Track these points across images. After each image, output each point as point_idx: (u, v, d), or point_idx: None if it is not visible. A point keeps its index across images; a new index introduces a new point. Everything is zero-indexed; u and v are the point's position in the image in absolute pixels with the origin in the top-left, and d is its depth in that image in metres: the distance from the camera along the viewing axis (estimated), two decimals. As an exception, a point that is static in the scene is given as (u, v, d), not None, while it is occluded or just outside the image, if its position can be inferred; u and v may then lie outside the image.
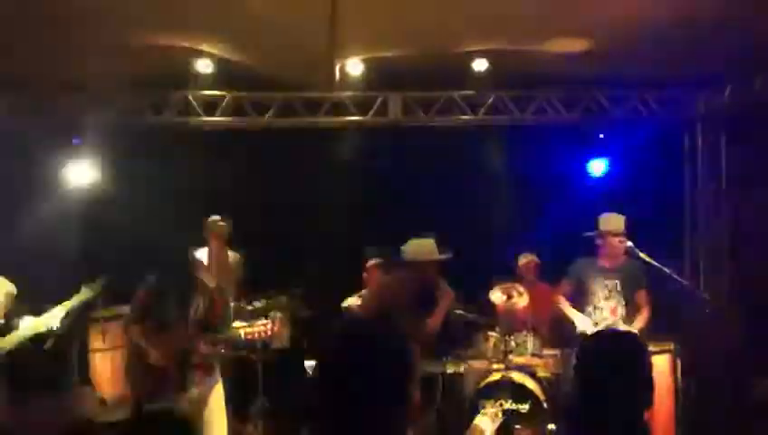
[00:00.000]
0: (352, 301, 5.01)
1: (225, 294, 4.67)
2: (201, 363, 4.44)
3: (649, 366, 2.28)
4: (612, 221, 5.33)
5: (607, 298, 5.29)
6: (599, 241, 5.35)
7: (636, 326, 5.15)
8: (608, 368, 2.26)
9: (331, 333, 1.80)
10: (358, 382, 1.66)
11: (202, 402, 4.44)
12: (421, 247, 4.68)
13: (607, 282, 5.30)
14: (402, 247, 4.75)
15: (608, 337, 2.62)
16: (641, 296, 5.34)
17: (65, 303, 4.75)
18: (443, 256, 4.71)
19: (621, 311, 5.28)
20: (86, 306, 5.12)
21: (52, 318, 4.67)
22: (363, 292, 5.00)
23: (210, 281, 4.64)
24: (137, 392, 4.43)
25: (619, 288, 5.29)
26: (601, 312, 5.28)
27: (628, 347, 2.34)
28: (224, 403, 4.57)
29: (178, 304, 4.47)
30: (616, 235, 5.26)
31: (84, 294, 4.83)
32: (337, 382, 1.68)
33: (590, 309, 5.31)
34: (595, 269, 5.35)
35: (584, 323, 5.21)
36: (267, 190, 7.03)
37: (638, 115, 6.84)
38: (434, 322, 4.62)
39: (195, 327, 4.44)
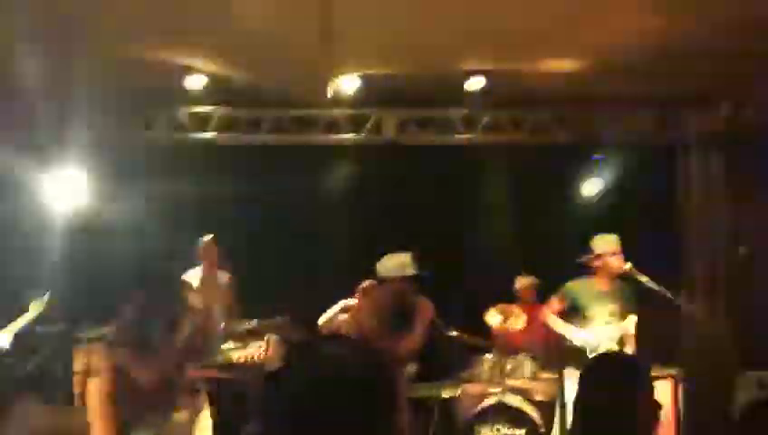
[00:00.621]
0: (327, 316, 4.82)
1: (214, 316, 4.50)
2: (187, 388, 4.28)
3: (652, 390, 2.25)
4: (607, 241, 5.23)
5: (607, 323, 5.17)
6: (596, 263, 5.22)
7: (630, 350, 5.05)
8: (609, 393, 2.22)
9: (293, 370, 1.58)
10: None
11: (188, 429, 4.27)
12: (392, 263, 4.48)
13: (607, 307, 5.18)
14: (377, 265, 4.55)
15: (609, 362, 2.57)
16: (632, 321, 5.25)
17: (13, 323, 4.52)
18: (414, 272, 4.40)
19: (618, 336, 5.17)
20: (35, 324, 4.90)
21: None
22: (340, 304, 4.78)
23: (198, 302, 4.48)
24: (120, 419, 4.26)
25: (617, 313, 5.18)
26: (600, 337, 5.15)
27: (631, 372, 2.31)
28: (210, 431, 4.40)
29: (166, 326, 4.31)
30: (613, 254, 5.16)
31: (32, 312, 4.61)
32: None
33: (588, 333, 5.18)
34: (594, 293, 5.22)
35: (582, 337, 5.07)
36: (260, 208, 6.91)
37: (633, 135, 6.80)
38: (412, 340, 4.37)
39: (182, 350, 4.28)
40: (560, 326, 5.24)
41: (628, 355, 4.06)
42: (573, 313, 5.27)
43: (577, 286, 5.29)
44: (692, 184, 7.01)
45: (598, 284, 5.22)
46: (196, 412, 4.33)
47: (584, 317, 5.20)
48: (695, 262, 6.90)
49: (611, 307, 5.15)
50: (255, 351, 4.38)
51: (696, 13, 4.84)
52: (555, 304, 5.35)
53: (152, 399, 4.17)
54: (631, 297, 5.19)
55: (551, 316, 5.31)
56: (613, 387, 2.23)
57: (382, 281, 4.42)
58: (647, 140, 6.81)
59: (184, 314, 4.34)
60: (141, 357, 4.23)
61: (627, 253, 5.21)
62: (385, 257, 4.46)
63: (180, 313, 4.34)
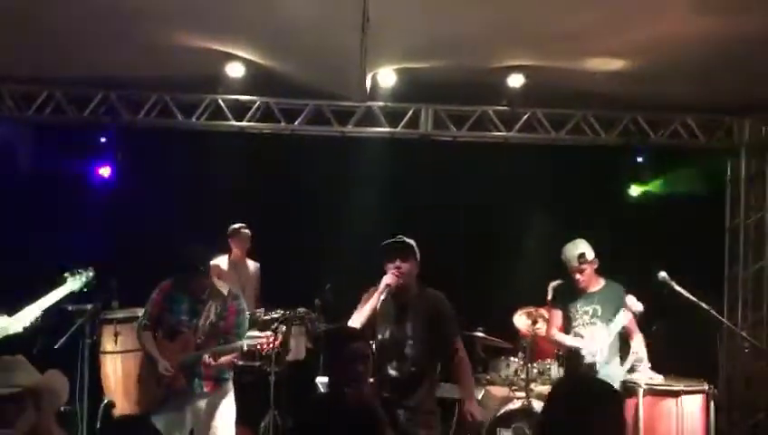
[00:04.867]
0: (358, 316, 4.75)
1: (239, 301, 4.52)
2: (210, 374, 4.30)
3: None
4: (589, 249, 4.90)
5: (587, 325, 4.89)
6: (583, 268, 4.88)
7: (636, 353, 4.79)
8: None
9: None
10: None
11: (209, 415, 4.30)
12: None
13: (587, 308, 4.91)
14: None
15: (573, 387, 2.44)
16: (622, 319, 4.89)
17: (43, 299, 4.42)
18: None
19: (604, 337, 4.86)
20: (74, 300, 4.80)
21: (24, 319, 4.23)
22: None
23: (224, 287, 4.50)
24: (146, 402, 4.34)
25: (599, 314, 4.89)
26: (582, 339, 4.88)
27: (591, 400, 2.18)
28: (233, 419, 4.42)
29: (191, 310, 4.35)
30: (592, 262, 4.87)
31: (69, 286, 4.52)
32: None
33: (571, 336, 4.92)
34: (577, 294, 4.91)
35: (589, 346, 4.83)
36: (294, 199, 6.93)
37: (678, 140, 6.58)
38: None
39: (205, 335, 4.30)
40: (567, 340, 4.98)
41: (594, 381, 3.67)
42: (565, 315, 4.99)
43: (565, 288, 5.03)
44: (740, 193, 6.77)
45: (581, 285, 4.89)
46: (218, 401, 4.35)
47: (566, 318, 4.94)
48: (739, 270, 6.65)
49: (593, 308, 4.86)
50: (263, 340, 4.37)
51: (748, 16, 4.62)
52: (557, 314, 5.08)
53: (174, 385, 4.23)
54: (616, 297, 4.82)
55: (556, 333, 5.04)
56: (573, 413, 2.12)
57: None
58: (695, 144, 6.59)
59: (209, 299, 4.38)
60: (166, 342, 4.30)
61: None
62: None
63: (206, 299, 4.38)
